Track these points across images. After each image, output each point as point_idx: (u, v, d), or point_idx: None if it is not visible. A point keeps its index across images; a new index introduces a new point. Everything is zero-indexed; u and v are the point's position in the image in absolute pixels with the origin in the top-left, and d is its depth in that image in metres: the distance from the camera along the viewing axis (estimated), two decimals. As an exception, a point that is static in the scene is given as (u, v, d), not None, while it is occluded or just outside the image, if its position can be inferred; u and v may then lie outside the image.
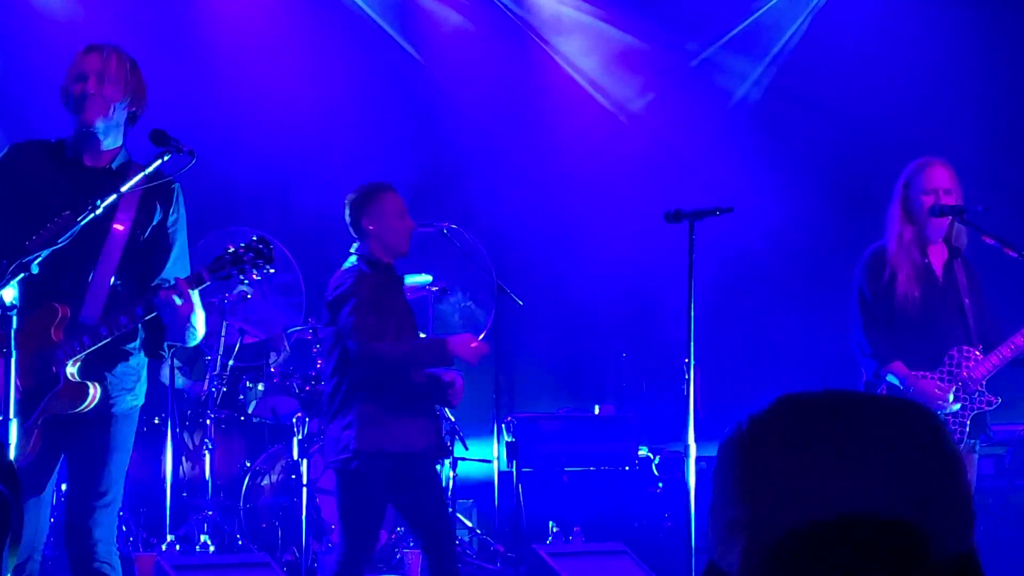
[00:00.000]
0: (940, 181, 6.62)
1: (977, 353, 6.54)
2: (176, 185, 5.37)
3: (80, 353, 5.11)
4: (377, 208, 6.71)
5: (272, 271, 5.54)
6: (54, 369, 5.04)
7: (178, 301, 5.05)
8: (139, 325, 5.21)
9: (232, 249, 5.38)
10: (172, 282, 5.17)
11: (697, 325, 6.24)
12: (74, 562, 5.21)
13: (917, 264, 6.60)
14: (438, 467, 7.03)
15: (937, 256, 6.70)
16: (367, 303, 6.42)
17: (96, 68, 5.23)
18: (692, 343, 6.20)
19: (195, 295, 5.17)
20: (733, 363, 11.43)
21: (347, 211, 6.78)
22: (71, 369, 5.08)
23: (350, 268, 6.64)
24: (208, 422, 9.01)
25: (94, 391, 5.14)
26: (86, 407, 5.13)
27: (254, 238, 5.43)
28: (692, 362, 6.23)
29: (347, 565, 6.43)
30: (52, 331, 5.06)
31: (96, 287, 5.13)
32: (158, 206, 5.31)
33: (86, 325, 5.11)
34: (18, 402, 4.88)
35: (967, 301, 6.64)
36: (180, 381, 9.72)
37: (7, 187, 5.20)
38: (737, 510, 1.43)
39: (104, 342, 5.12)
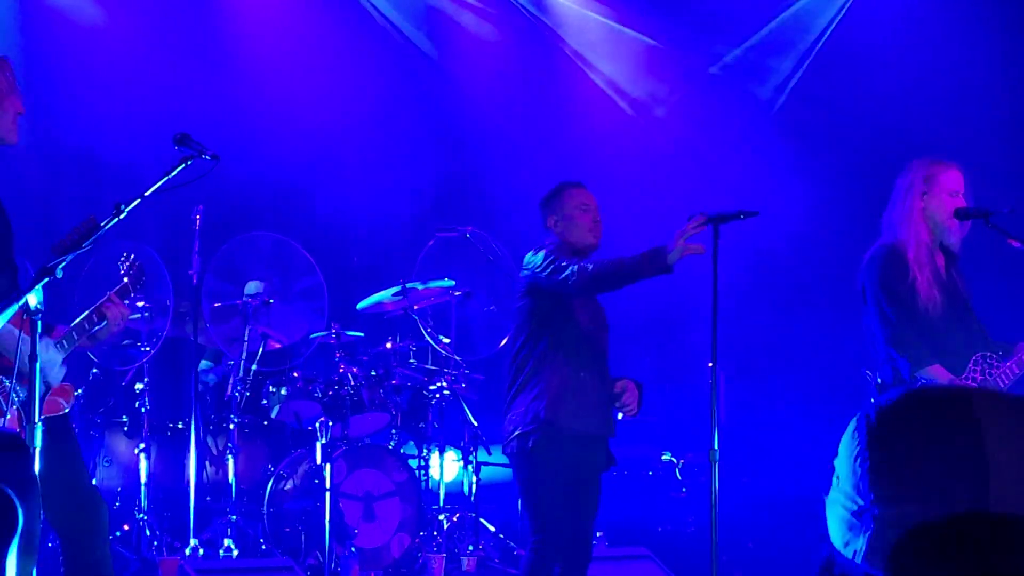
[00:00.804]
0: (959, 183, 6.54)
1: (998, 360, 6.42)
2: None
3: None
4: (558, 204, 6.75)
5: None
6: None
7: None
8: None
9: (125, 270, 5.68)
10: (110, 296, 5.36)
11: (721, 328, 6.21)
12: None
13: (932, 266, 6.48)
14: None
15: (939, 259, 6.58)
16: (565, 253, 6.47)
17: None
18: (715, 347, 6.16)
19: None
20: (757, 367, 11.39)
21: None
22: None
23: (545, 244, 6.65)
24: (232, 426, 9.02)
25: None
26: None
27: (130, 257, 5.64)
28: (715, 366, 6.19)
29: (540, 554, 6.34)
30: None
31: None
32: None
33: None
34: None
35: (971, 305, 6.58)
36: (210, 378, 9.75)
37: None
38: (864, 501, 1.41)
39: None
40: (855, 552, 1.45)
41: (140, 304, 8.66)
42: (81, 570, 5.32)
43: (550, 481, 6.36)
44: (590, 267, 6.28)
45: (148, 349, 8.78)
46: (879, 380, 6.43)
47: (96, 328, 5.48)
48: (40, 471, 5.09)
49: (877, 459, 1.44)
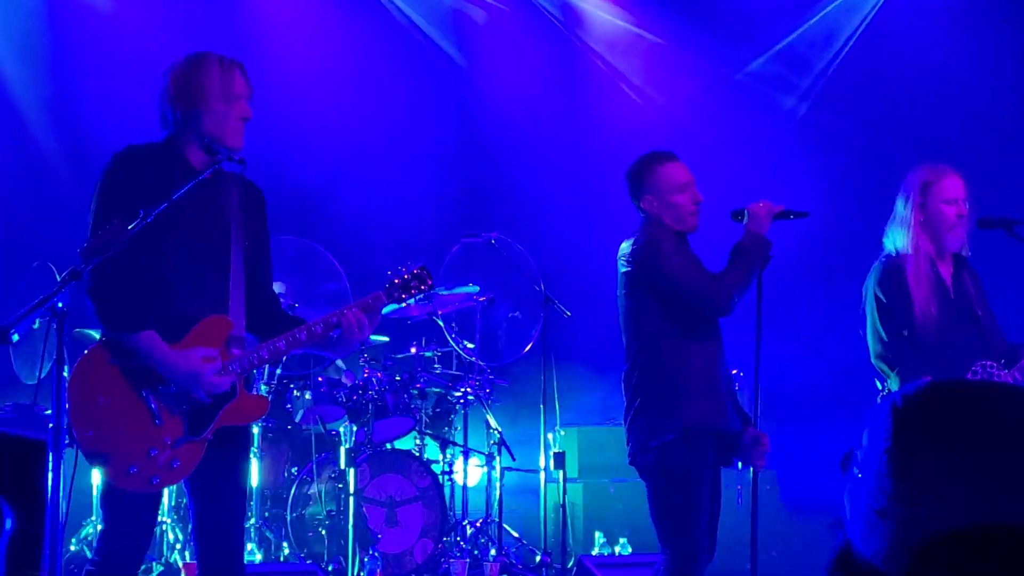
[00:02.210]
0: (959, 190, 6.43)
1: (999, 368, 6.35)
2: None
3: (257, 366, 5.19)
4: (653, 183, 6.08)
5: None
6: (231, 381, 5.07)
7: (360, 324, 5.19)
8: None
9: (403, 276, 5.51)
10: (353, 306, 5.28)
11: (745, 334, 6.18)
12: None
13: (933, 278, 6.38)
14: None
15: (945, 267, 6.49)
16: (679, 257, 5.95)
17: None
18: (759, 353, 6.08)
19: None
20: (779, 372, 11.37)
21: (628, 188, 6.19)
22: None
23: (645, 229, 6.06)
24: (255, 430, 9.03)
25: (267, 405, 5.24)
26: (257, 420, 5.21)
27: (418, 267, 5.51)
28: (758, 377, 6.12)
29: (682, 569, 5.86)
30: (226, 344, 5.08)
31: (236, 297, 5.17)
32: (259, 214, 5.40)
33: (244, 338, 5.15)
34: (187, 413, 4.94)
35: (979, 312, 6.44)
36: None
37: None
38: (888, 501, 1.40)
39: (281, 357, 5.21)
40: (874, 552, 1.43)
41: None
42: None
43: (694, 488, 5.89)
44: (725, 287, 5.86)
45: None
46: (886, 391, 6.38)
47: (328, 335, 5.30)
48: (199, 483, 5.10)
49: (903, 458, 1.42)
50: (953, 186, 6.43)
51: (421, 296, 5.58)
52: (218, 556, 5.15)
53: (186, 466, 5.00)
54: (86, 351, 5.00)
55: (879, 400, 5.71)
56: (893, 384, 6.27)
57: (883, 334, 6.35)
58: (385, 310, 7.50)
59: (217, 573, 5.14)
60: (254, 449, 8.99)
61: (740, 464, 6.22)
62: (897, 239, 6.48)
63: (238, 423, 5.13)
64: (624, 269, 6.03)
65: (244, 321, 5.16)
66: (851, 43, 12.18)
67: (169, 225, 4.97)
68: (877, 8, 12.08)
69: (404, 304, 5.55)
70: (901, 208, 6.50)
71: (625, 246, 6.05)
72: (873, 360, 6.39)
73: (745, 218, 6.06)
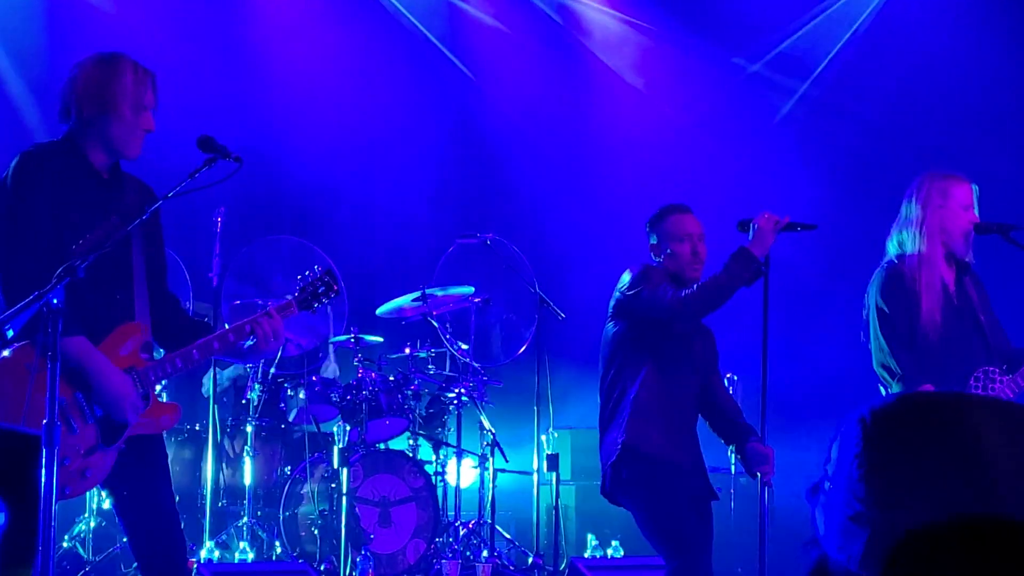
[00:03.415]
0: (970, 196, 6.39)
1: (1001, 374, 6.34)
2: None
3: (171, 375, 5.14)
4: (660, 229, 6.39)
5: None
6: (143, 389, 5.03)
7: (279, 331, 5.14)
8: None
9: (312, 282, 5.45)
10: (267, 310, 5.23)
11: (741, 339, 6.19)
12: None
13: (938, 284, 6.33)
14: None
15: (949, 273, 6.43)
16: (659, 277, 6.14)
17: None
18: (766, 366, 6.09)
19: None
20: (772, 376, 11.35)
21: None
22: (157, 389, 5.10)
23: (641, 264, 6.31)
24: (249, 429, 9.03)
25: (179, 413, 5.19)
26: (169, 428, 5.16)
27: (324, 272, 5.48)
28: (766, 384, 6.13)
29: None
30: (138, 352, 5.04)
31: (141, 303, 5.12)
32: (155, 217, 5.25)
33: (150, 343, 5.11)
34: (100, 421, 4.90)
35: (982, 318, 6.40)
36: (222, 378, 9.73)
37: None
38: (861, 506, 1.41)
39: (194, 365, 5.16)
40: (849, 557, 1.44)
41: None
42: None
43: (659, 498, 6.04)
44: (688, 294, 6.02)
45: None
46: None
47: (241, 343, 5.27)
48: (126, 494, 5.07)
49: (874, 463, 1.44)
50: (968, 192, 6.42)
51: (329, 302, 5.52)
52: (168, 571, 5.11)
53: (97, 475, 4.94)
54: (6, 352, 4.87)
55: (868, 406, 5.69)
56: (895, 391, 6.25)
57: (884, 342, 6.33)
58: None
59: None
60: (247, 447, 8.99)
61: (748, 476, 6.26)
62: (905, 243, 6.43)
63: (150, 432, 5.06)
64: (615, 296, 6.26)
65: (148, 325, 5.11)
66: (848, 46, 12.18)
67: (73, 230, 4.92)
68: (874, 11, 12.09)
69: (314, 311, 5.52)
70: (912, 212, 6.43)
71: (624, 276, 6.26)
72: (876, 367, 6.37)
73: (750, 232, 6.09)
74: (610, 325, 6.29)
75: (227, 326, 5.37)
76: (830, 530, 1.48)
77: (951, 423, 1.43)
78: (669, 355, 6.17)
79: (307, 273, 5.50)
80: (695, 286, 6.06)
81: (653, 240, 6.39)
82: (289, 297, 5.39)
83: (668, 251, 6.30)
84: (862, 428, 1.47)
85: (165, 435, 5.29)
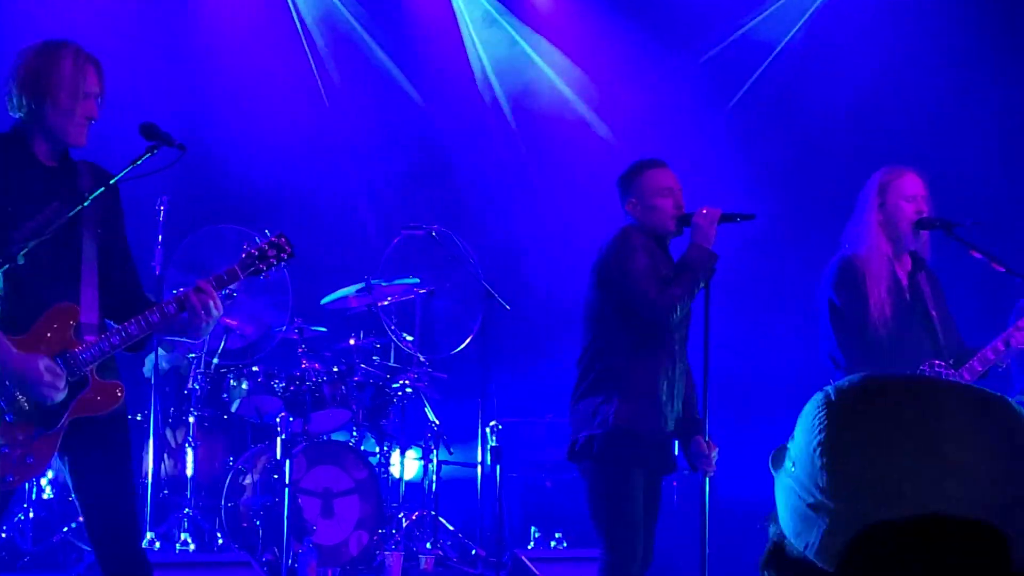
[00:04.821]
0: (918, 188, 6.45)
1: (947, 368, 6.38)
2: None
3: (108, 353, 5.08)
4: (637, 185, 6.24)
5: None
6: (81, 371, 4.98)
7: (213, 302, 5.07)
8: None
9: (260, 247, 5.41)
10: (202, 283, 5.17)
11: (693, 338, 6.19)
12: (123, 570, 5.10)
13: (889, 278, 6.39)
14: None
15: (902, 267, 6.51)
16: (643, 261, 6.03)
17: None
18: (707, 361, 6.08)
19: None
20: (715, 368, 11.38)
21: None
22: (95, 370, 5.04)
23: (622, 230, 6.19)
24: (191, 420, 8.98)
25: (122, 392, 5.12)
26: (114, 408, 5.09)
27: (276, 235, 5.43)
28: (707, 378, 6.13)
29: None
30: (75, 332, 5.00)
31: (88, 285, 5.08)
32: (112, 199, 5.25)
33: (97, 325, 5.06)
34: (34, 407, 4.85)
35: (934, 314, 6.46)
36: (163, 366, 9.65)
37: None
38: (822, 496, 1.41)
39: (134, 342, 5.10)
40: (807, 545, 1.44)
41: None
42: None
43: (624, 484, 5.99)
44: (670, 302, 5.96)
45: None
46: None
47: (178, 317, 5.22)
48: (83, 474, 5.02)
49: (837, 452, 1.43)
50: (912, 184, 6.46)
51: (279, 264, 5.44)
52: (120, 555, 5.07)
53: (40, 461, 4.91)
54: None
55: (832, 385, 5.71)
56: None
57: (834, 334, 6.39)
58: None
59: (121, 571, 5.06)
60: (189, 438, 8.94)
61: (691, 470, 6.25)
62: (856, 238, 6.49)
63: (93, 413, 5.01)
64: (595, 263, 6.15)
65: (97, 308, 5.07)
66: (793, 43, 12.22)
67: (10, 220, 4.89)
68: (818, 7, 12.13)
69: (264, 275, 5.44)
70: (862, 206, 6.51)
71: (608, 244, 6.15)
72: (824, 358, 6.43)
73: (692, 228, 6.11)
74: (593, 293, 6.17)
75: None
76: (790, 514, 1.47)
77: (917, 409, 1.43)
78: (656, 329, 6.10)
79: (256, 240, 5.46)
80: (669, 293, 5.98)
81: (631, 197, 6.24)
82: (233, 266, 5.34)
83: (650, 206, 6.18)
84: (827, 412, 1.46)
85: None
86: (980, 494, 1.39)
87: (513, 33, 12.49)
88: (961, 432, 1.40)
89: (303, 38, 11.94)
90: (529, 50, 12.53)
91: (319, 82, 11.89)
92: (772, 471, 1.56)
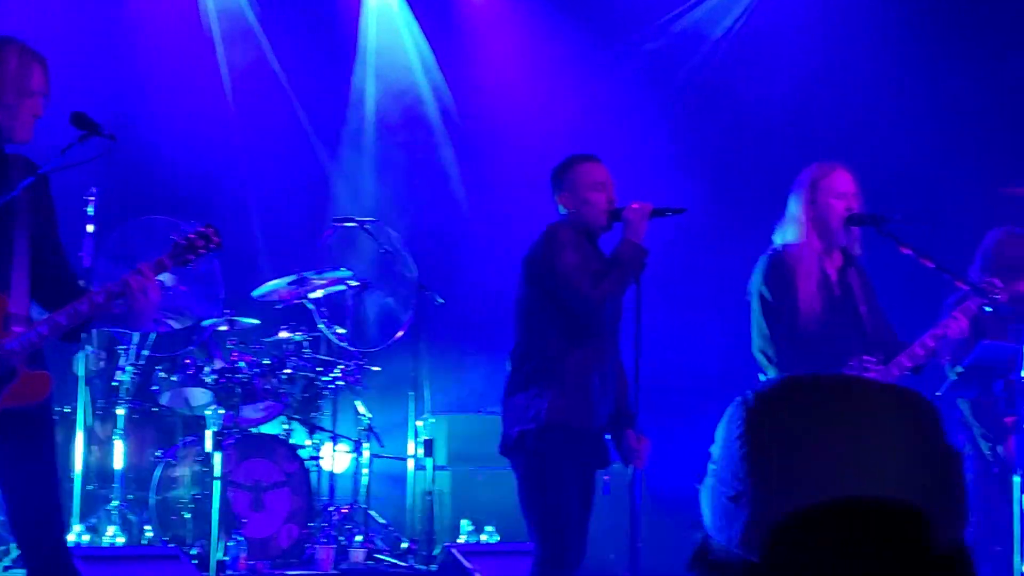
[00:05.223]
0: (848, 185, 6.47)
1: (875, 363, 6.40)
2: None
3: (38, 344, 5.03)
4: (569, 180, 6.27)
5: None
6: (8, 362, 4.92)
7: (152, 287, 5.04)
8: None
9: (187, 236, 5.38)
10: (138, 269, 5.12)
11: (625, 332, 6.21)
12: (45, 561, 5.05)
13: (819, 274, 6.43)
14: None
15: (832, 263, 6.54)
16: (573, 256, 6.05)
17: None
18: (639, 354, 6.10)
19: None
20: (646, 362, 11.42)
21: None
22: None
23: (552, 225, 6.21)
24: (120, 412, 8.91)
25: (50, 383, 5.07)
26: (43, 399, 5.04)
27: (205, 225, 5.41)
28: (638, 371, 6.14)
29: (543, 574, 5.95)
30: (3, 323, 4.94)
31: (19, 275, 5.03)
32: (43, 191, 5.21)
33: (20, 316, 5.01)
34: None
35: (863, 309, 6.50)
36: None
37: None
38: (742, 486, 1.42)
39: (64, 332, 5.06)
40: (730, 538, 1.45)
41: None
42: None
43: (556, 480, 6.00)
44: (599, 297, 6.00)
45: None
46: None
47: (111, 306, 5.14)
48: (6, 467, 4.97)
49: (756, 443, 1.45)
50: (842, 180, 6.49)
51: (209, 254, 5.45)
52: (42, 546, 5.03)
53: None
54: None
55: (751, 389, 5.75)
56: (774, 376, 6.31)
57: (765, 329, 6.42)
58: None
59: (43, 562, 5.02)
60: (118, 430, 8.87)
61: (622, 464, 6.27)
62: (787, 233, 6.52)
63: (22, 404, 4.98)
64: (525, 258, 6.18)
65: (27, 299, 5.03)
66: (728, 36, 12.27)
67: None
68: (754, 3, 12.19)
69: (192, 265, 5.43)
70: (792, 204, 6.55)
71: (538, 241, 6.17)
72: (755, 353, 6.45)
73: (624, 224, 6.14)
74: (523, 289, 6.20)
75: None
76: (712, 511, 1.49)
77: (834, 404, 1.45)
78: (588, 324, 6.12)
79: (187, 229, 5.44)
80: (598, 289, 6.01)
81: (563, 191, 6.26)
82: (162, 256, 5.31)
83: (582, 200, 6.21)
84: (745, 409, 1.48)
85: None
86: (898, 480, 1.41)
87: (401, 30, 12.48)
88: (877, 424, 1.43)
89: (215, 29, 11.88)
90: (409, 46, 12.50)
91: (253, 72, 11.81)
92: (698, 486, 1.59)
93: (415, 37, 12.42)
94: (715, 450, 1.52)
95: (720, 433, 1.51)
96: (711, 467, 1.52)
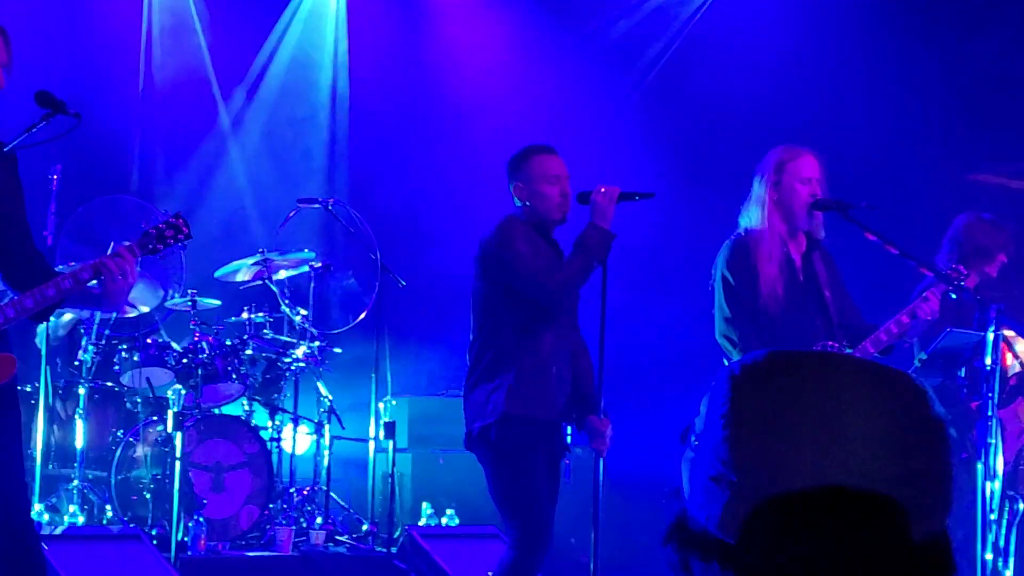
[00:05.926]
0: (813, 170, 6.43)
1: (841, 348, 6.41)
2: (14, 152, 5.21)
3: (3, 326, 5.00)
4: (524, 171, 6.20)
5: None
6: None
7: (128, 271, 5.01)
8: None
9: (157, 226, 5.34)
10: (114, 251, 5.10)
11: (590, 317, 6.22)
12: (13, 539, 5.03)
13: (782, 258, 6.41)
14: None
15: (796, 247, 6.51)
16: (525, 249, 6.01)
17: None
18: (603, 339, 6.10)
19: None
20: (610, 345, 11.43)
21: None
22: None
23: (502, 220, 6.15)
24: (81, 391, 8.88)
25: (15, 364, 5.05)
26: (7, 380, 5.01)
27: (175, 215, 5.39)
28: (602, 356, 6.15)
29: (520, 559, 5.96)
30: None
31: None
32: (11, 173, 5.17)
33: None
34: None
35: (828, 294, 6.48)
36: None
37: None
38: (724, 467, 1.43)
39: (29, 315, 5.03)
40: (708, 517, 1.46)
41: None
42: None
43: (523, 469, 6.01)
44: (562, 282, 6.01)
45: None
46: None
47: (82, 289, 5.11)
48: None
49: (739, 424, 1.45)
50: (808, 165, 6.46)
51: (177, 245, 5.44)
52: (10, 524, 5.01)
53: None
54: None
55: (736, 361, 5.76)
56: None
57: (728, 312, 6.40)
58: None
59: (11, 540, 5.01)
60: (79, 409, 8.83)
61: (586, 447, 6.30)
62: (751, 217, 6.48)
63: None
64: (477, 254, 6.14)
65: None
66: (697, 23, 12.28)
67: None
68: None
69: (159, 255, 5.42)
70: (756, 187, 6.52)
71: (489, 234, 6.13)
72: (718, 337, 6.45)
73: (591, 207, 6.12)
74: (479, 284, 6.16)
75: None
76: (692, 488, 1.49)
77: (820, 384, 1.45)
78: (544, 314, 6.11)
79: (157, 218, 5.43)
80: (560, 273, 6.02)
81: (517, 181, 6.21)
82: (127, 243, 5.28)
83: (536, 193, 6.15)
84: (731, 384, 1.48)
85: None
86: (880, 467, 1.42)
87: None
88: (862, 406, 1.43)
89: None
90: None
91: (218, 53, 11.75)
92: (680, 445, 1.58)
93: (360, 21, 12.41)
94: (699, 423, 1.51)
95: (705, 407, 1.51)
96: (693, 440, 1.52)
